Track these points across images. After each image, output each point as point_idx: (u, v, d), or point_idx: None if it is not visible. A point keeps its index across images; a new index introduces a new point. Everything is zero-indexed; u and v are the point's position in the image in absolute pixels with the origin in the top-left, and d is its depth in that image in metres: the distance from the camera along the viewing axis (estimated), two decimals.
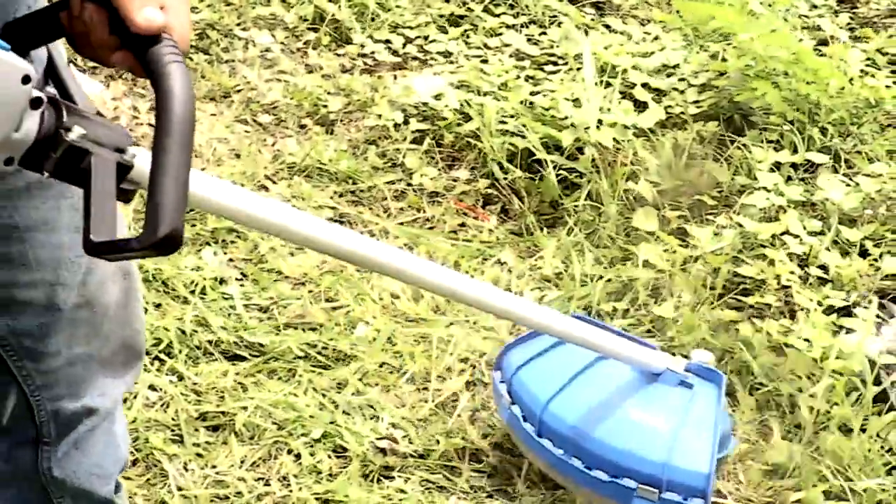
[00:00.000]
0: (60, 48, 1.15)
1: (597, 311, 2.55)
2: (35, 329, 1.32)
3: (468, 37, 3.56)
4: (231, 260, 2.62)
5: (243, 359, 2.37)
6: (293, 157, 3.00)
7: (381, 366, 2.38)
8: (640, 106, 3.12)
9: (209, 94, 3.23)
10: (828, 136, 3.01)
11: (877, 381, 2.32)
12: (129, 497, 2.04)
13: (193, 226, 2.69)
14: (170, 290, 2.50)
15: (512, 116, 3.05)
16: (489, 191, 2.96)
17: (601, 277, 2.64)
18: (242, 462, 2.15)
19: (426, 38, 3.54)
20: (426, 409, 2.31)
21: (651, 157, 2.92)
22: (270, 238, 2.69)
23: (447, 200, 2.94)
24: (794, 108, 3.02)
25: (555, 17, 3.66)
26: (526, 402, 2.04)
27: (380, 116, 3.15)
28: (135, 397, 2.24)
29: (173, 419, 2.21)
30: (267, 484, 2.12)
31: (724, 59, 3.24)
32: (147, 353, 2.33)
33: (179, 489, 2.09)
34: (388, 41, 3.52)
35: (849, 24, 3.68)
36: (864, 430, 2.24)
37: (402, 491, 2.13)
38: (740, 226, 2.69)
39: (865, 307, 2.47)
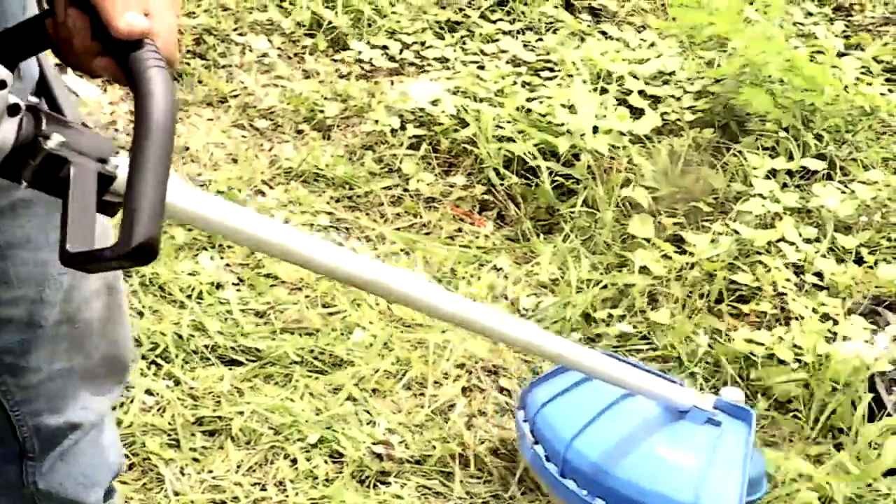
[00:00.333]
0: (50, 59, 1.14)
1: (593, 318, 2.56)
2: (16, 345, 1.30)
3: (465, 43, 3.57)
4: (228, 265, 2.63)
5: (240, 363, 2.37)
6: (290, 162, 3.00)
7: (377, 371, 2.39)
8: (637, 112, 3.13)
9: (206, 98, 3.23)
10: (823, 143, 3.02)
11: (871, 389, 2.32)
12: (126, 501, 2.04)
13: (190, 230, 2.69)
14: (167, 294, 2.50)
15: (508, 122, 3.05)
16: (485, 196, 2.97)
17: (597, 283, 2.64)
18: (239, 467, 2.15)
19: (423, 44, 3.55)
20: (422, 414, 2.31)
21: (647, 163, 2.93)
22: None
23: (444, 206, 2.94)
24: (789, 114, 3.03)
25: (551, 23, 3.67)
26: (549, 441, 1.99)
27: (376, 122, 3.15)
28: (131, 401, 2.24)
29: (170, 423, 2.21)
30: (263, 489, 2.12)
31: (719, 66, 3.25)
32: (143, 358, 2.34)
33: (176, 494, 2.09)
34: (384, 47, 3.53)
35: (844, 31, 3.69)
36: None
37: (399, 496, 2.13)
38: (736, 232, 2.70)
39: (861, 314, 2.48)
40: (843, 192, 2.86)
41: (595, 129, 2.97)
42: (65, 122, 1.01)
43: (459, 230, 2.88)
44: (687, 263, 2.66)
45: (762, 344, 2.40)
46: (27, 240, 1.24)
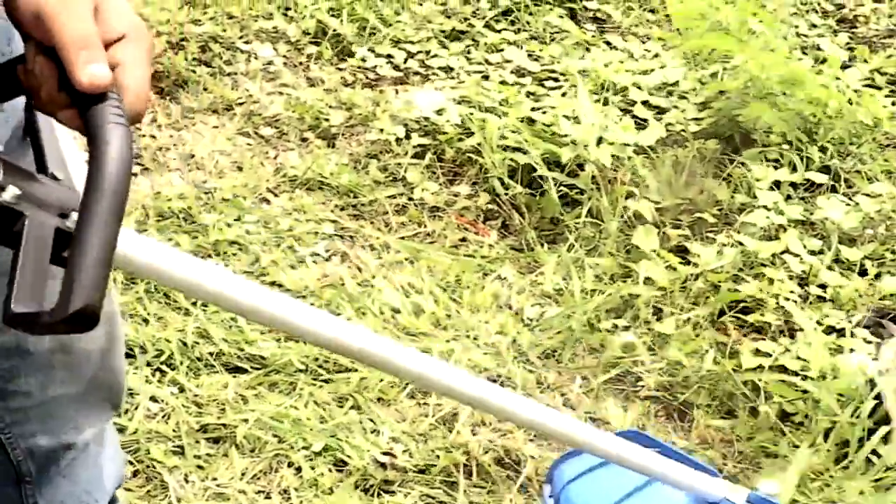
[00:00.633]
0: None
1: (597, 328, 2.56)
2: (4, 372, 1.29)
3: (469, 52, 3.57)
4: (233, 272, 2.62)
5: (244, 371, 2.37)
6: (295, 170, 3.01)
7: (381, 380, 2.39)
8: (641, 123, 3.14)
9: (211, 106, 3.24)
10: (827, 155, 3.03)
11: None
12: None
13: (195, 238, 2.70)
14: (171, 301, 2.50)
15: (513, 132, 3.06)
16: (490, 206, 2.97)
17: (602, 293, 2.64)
18: (243, 474, 2.15)
19: (428, 53, 3.55)
20: (426, 423, 2.31)
21: (651, 174, 2.93)
22: (272, 250, 2.70)
23: (448, 215, 2.94)
24: (793, 127, 3.03)
25: (556, 33, 3.68)
26: None
27: (381, 131, 3.16)
28: (136, 408, 2.24)
29: (174, 431, 2.21)
30: (267, 497, 2.12)
31: (722, 79, 3.26)
32: (148, 365, 2.34)
33: (179, 501, 2.09)
34: (389, 56, 3.54)
35: (848, 43, 3.70)
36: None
37: None
38: (741, 244, 2.70)
39: (865, 327, 2.48)
40: (848, 205, 2.87)
41: (599, 140, 2.97)
42: (27, 174, 0.94)
43: (464, 239, 2.88)
44: (691, 274, 2.66)
45: (770, 355, 2.41)
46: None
